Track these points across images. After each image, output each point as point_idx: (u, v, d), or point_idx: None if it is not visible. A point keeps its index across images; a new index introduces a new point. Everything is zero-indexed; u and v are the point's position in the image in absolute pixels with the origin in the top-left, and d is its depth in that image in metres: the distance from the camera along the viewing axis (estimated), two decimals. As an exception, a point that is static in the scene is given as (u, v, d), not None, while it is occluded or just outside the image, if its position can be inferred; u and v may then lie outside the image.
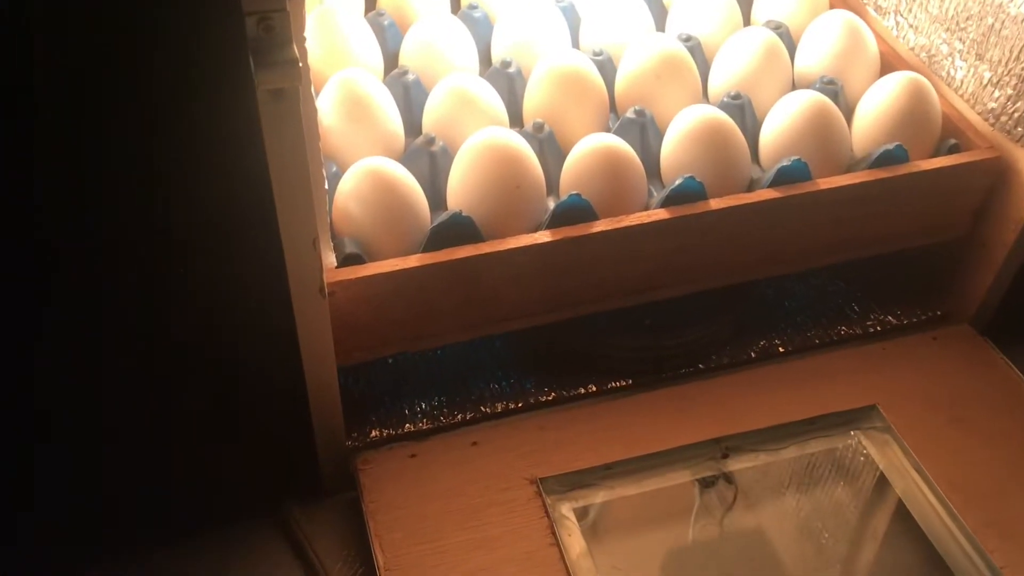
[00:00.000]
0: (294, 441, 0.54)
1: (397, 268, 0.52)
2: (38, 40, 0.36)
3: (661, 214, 0.55)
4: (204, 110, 0.39)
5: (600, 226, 0.54)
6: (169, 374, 0.49)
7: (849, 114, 0.63)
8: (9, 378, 0.46)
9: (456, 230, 0.53)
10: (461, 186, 0.56)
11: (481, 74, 0.64)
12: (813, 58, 0.66)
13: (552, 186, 0.58)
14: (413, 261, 0.52)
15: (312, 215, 0.43)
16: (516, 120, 0.63)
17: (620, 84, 0.64)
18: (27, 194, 0.40)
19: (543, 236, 0.54)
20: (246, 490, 0.56)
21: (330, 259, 0.51)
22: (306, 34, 0.41)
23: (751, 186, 0.59)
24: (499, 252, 0.53)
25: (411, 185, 0.55)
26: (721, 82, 0.64)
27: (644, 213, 0.55)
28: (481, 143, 0.55)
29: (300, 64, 0.38)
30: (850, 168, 0.60)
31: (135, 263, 0.43)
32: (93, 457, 0.51)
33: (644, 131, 0.60)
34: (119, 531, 0.54)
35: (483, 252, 0.53)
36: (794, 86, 0.65)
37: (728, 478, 0.57)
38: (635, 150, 0.58)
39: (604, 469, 0.56)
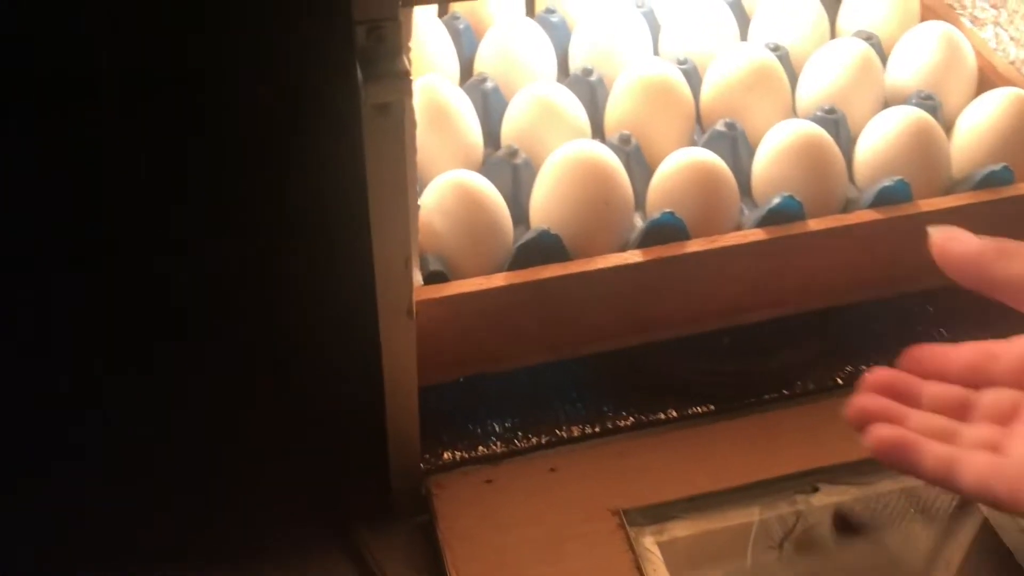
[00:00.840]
0: (367, 461, 0.52)
1: (483, 287, 0.49)
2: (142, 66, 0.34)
3: (758, 234, 0.53)
4: (307, 126, 0.37)
5: (694, 246, 0.52)
6: (246, 386, 0.47)
7: (946, 132, 0.60)
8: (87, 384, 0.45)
9: (543, 248, 0.51)
10: (546, 201, 0.53)
11: (558, 81, 0.62)
12: (907, 71, 0.63)
13: (638, 201, 0.56)
14: (499, 280, 0.50)
15: (407, 235, 0.41)
16: (597, 131, 0.61)
17: (707, 95, 0.61)
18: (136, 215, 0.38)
19: (634, 256, 0.51)
20: (315, 509, 0.53)
21: (418, 279, 0.49)
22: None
23: (847, 206, 0.56)
24: (588, 272, 0.50)
25: (496, 200, 0.52)
26: (812, 95, 0.62)
27: (740, 233, 0.53)
28: (569, 157, 0.53)
29: (409, 76, 0.36)
30: (950, 190, 0.57)
31: (232, 275, 0.41)
32: (166, 470, 0.49)
33: (735, 145, 0.58)
34: (181, 547, 0.52)
35: (571, 272, 0.50)
36: (886, 101, 0.63)
37: (817, 514, 0.54)
38: (727, 164, 0.56)
39: (688, 501, 0.53)
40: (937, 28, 0.62)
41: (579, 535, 0.51)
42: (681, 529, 0.53)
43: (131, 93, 0.37)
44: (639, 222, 0.54)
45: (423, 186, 0.53)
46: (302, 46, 0.35)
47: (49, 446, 0.47)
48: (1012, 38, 0.63)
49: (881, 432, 0.43)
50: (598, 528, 0.52)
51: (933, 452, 0.41)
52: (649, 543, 0.52)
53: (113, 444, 0.48)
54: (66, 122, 0.37)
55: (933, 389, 0.45)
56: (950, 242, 0.43)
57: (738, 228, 0.54)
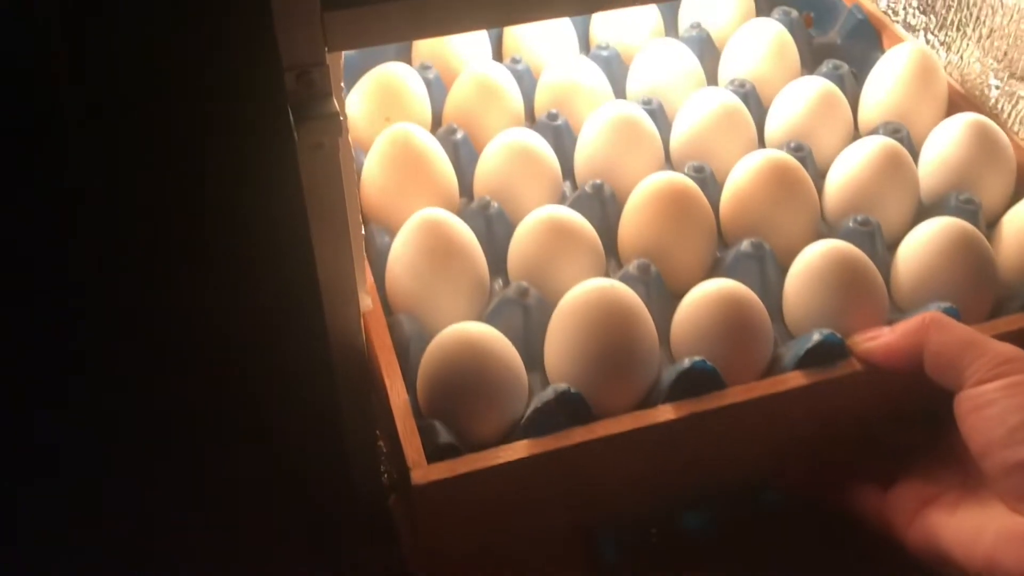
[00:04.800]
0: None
1: (501, 461, 0.44)
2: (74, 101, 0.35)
3: (798, 379, 0.47)
4: (248, 164, 0.39)
5: (732, 396, 0.47)
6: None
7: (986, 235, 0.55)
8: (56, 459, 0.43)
9: (564, 408, 0.45)
10: (561, 349, 0.48)
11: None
12: (939, 167, 0.58)
13: (661, 336, 0.51)
14: (520, 451, 0.44)
15: (351, 263, 0.42)
16: (567, 174, 0.60)
17: (726, 203, 0.56)
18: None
19: (666, 413, 0.46)
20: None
21: (366, 303, 0.49)
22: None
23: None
24: (616, 435, 0.45)
25: (508, 354, 0.47)
26: (840, 200, 0.57)
27: (780, 379, 0.47)
28: (585, 297, 0.48)
29: (339, 117, 0.37)
30: (999, 307, 0.52)
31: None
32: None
33: (763, 266, 0.52)
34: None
35: (598, 436, 0.45)
36: (920, 202, 0.58)
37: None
38: (754, 289, 0.51)
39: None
40: (969, 121, 0.57)
41: None
42: None
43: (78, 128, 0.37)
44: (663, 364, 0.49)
45: (397, 225, 0.52)
46: (236, 91, 0.37)
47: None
48: (942, 43, 0.65)
49: None
50: None
51: None
52: None
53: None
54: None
55: None
56: (869, 340, 0.47)
57: (771, 363, 0.49)
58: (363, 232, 0.48)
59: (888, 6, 0.71)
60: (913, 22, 0.68)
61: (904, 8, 0.69)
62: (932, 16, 0.66)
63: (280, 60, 0.35)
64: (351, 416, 0.46)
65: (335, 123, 0.36)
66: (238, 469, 0.47)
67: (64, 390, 0.42)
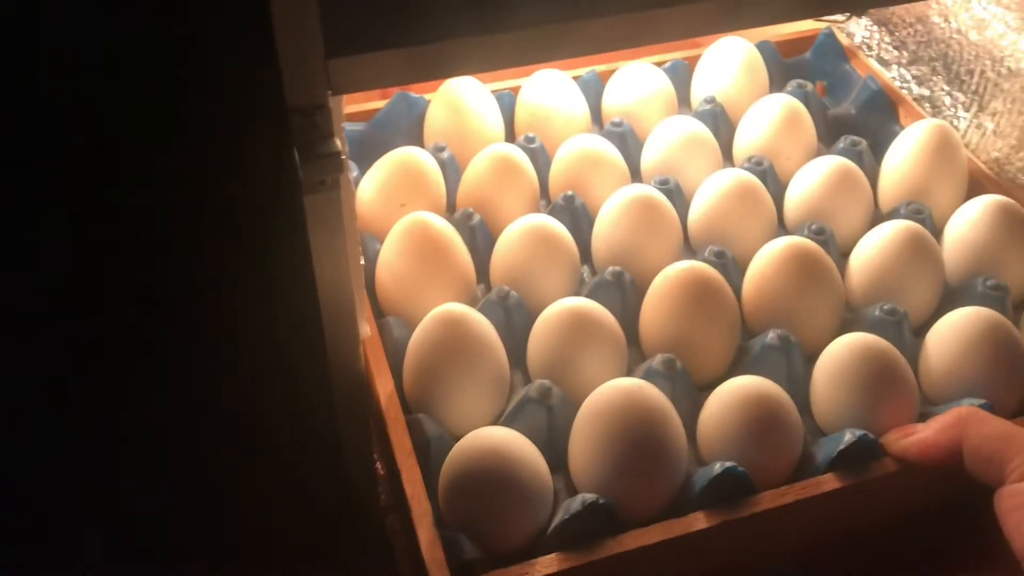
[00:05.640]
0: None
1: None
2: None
3: (831, 482, 0.46)
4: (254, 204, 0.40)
5: (765, 502, 0.45)
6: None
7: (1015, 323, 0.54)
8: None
9: (593, 518, 0.44)
10: (587, 452, 0.47)
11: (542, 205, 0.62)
12: (963, 249, 0.57)
13: (687, 431, 0.49)
14: (551, 566, 0.43)
15: (352, 292, 0.43)
16: (584, 254, 0.59)
17: (749, 290, 0.55)
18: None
19: (698, 521, 0.45)
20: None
21: (365, 331, 0.50)
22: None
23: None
24: (647, 547, 0.44)
25: (533, 459, 0.46)
26: (864, 285, 0.56)
27: (813, 482, 0.46)
28: (611, 399, 0.46)
29: (340, 156, 0.38)
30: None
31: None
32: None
33: (789, 358, 0.51)
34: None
35: (629, 548, 0.44)
36: (947, 285, 0.57)
37: None
38: (781, 382, 0.49)
39: None
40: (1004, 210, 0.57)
41: None
42: None
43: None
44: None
45: (416, 316, 0.52)
46: (244, 132, 0.38)
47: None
48: (914, 77, 0.68)
49: None
50: None
51: None
52: None
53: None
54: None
55: None
56: (903, 437, 0.47)
57: (801, 460, 0.48)
58: (362, 263, 0.50)
59: (863, 40, 0.74)
60: (886, 56, 0.71)
61: (878, 44, 0.72)
62: (904, 52, 0.69)
63: (286, 102, 0.37)
64: (350, 442, 0.48)
65: (337, 161, 0.38)
66: (239, 482, 0.47)
67: (65, 396, 0.43)
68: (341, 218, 0.41)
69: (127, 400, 0.43)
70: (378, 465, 0.54)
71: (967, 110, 0.63)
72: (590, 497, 0.44)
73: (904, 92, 0.68)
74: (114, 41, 0.35)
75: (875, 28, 0.71)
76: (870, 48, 0.72)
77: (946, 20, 0.62)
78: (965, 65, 0.61)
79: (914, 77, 0.68)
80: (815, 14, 0.54)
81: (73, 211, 0.38)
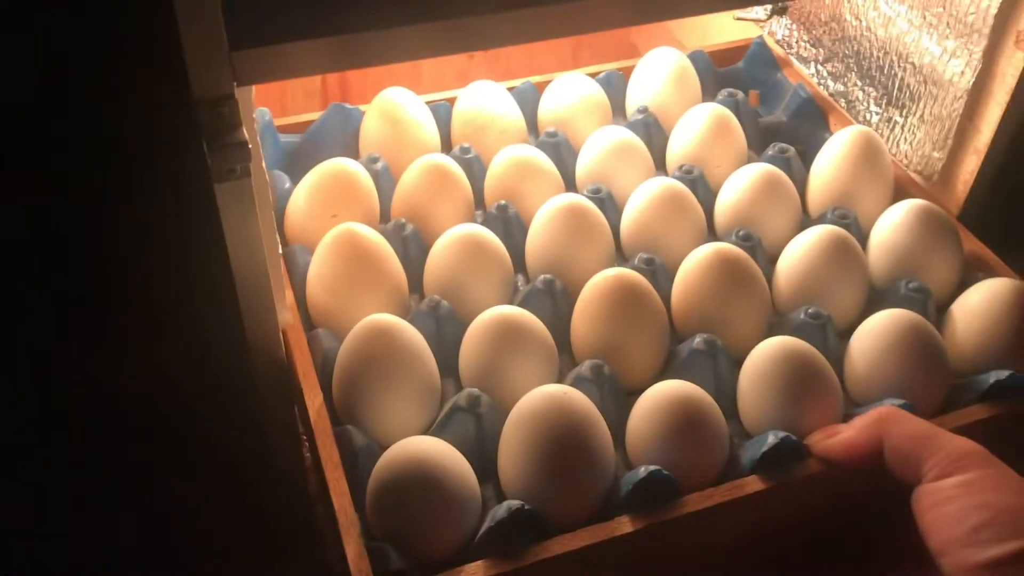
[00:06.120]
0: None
1: (456, 585, 0.43)
2: None
3: (755, 484, 0.47)
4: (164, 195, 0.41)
5: (690, 505, 0.46)
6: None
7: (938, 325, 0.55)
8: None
9: (519, 525, 0.44)
10: (515, 460, 0.47)
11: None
12: (888, 253, 0.58)
13: (615, 436, 0.50)
14: (477, 573, 0.43)
15: (268, 279, 0.44)
16: (518, 264, 0.60)
17: (678, 296, 0.56)
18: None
19: (623, 525, 0.45)
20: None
21: (286, 318, 0.52)
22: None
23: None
24: (574, 551, 0.44)
25: (460, 468, 0.46)
26: (790, 289, 0.57)
27: (737, 484, 0.47)
28: (537, 406, 0.47)
29: (248, 145, 0.39)
30: (951, 394, 0.52)
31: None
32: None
33: (716, 362, 0.52)
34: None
35: (555, 554, 0.44)
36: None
37: None
38: (707, 386, 0.50)
39: None
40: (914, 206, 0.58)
41: None
42: None
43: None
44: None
45: (346, 328, 0.52)
46: (150, 124, 0.39)
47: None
48: (830, 73, 0.70)
49: None
50: None
51: None
52: None
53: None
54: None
55: None
56: (827, 438, 0.48)
57: (728, 463, 0.49)
58: (280, 252, 0.52)
59: (783, 39, 0.75)
60: (805, 54, 0.73)
61: (797, 42, 0.74)
62: (821, 49, 0.71)
63: (191, 95, 0.38)
64: (275, 426, 0.49)
65: (245, 151, 0.39)
66: (164, 476, 0.48)
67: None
68: (254, 206, 0.42)
69: (48, 387, 0.44)
70: (306, 453, 0.54)
71: (878, 105, 0.64)
72: (516, 504, 0.44)
73: (821, 88, 0.70)
74: (21, 36, 0.35)
75: (794, 27, 0.73)
76: (790, 46, 0.74)
77: (857, 18, 0.64)
78: (875, 62, 0.63)
79: (830, 74, 0.69)
80: (726, 7, 0.55)
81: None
